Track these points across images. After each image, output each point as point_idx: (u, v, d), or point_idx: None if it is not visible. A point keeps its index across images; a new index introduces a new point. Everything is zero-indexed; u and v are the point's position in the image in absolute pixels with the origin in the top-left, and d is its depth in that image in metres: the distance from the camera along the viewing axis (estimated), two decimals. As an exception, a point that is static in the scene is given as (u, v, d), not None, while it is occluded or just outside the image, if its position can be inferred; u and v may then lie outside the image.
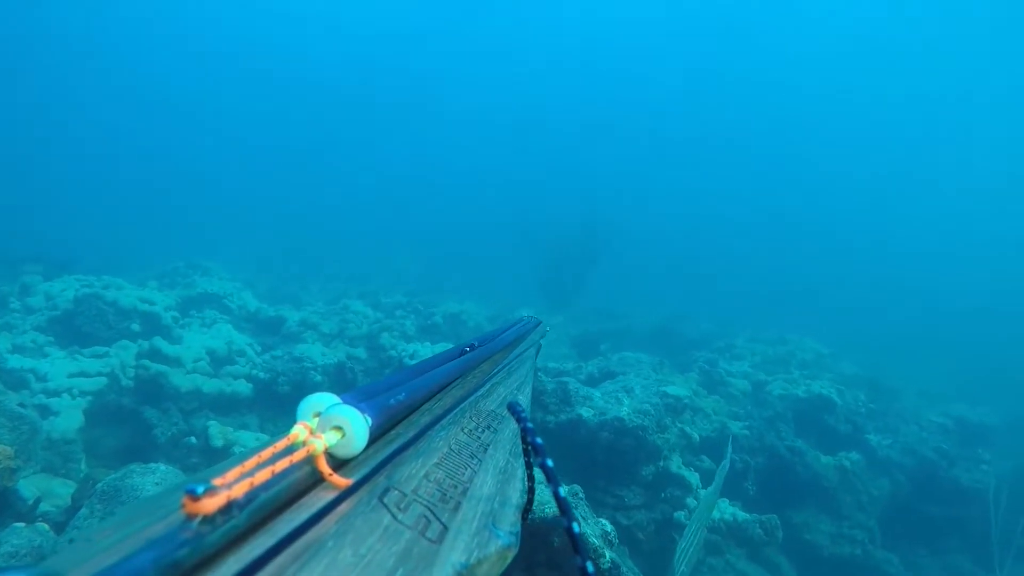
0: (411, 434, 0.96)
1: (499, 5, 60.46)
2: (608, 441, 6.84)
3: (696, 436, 7.72)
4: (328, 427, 0.75)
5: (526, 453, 1.02)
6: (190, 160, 53.56)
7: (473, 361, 1.53)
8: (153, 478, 4.15)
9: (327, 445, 0.72)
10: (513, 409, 0.94)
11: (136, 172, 46.87)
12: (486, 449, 1.04)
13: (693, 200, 56.91)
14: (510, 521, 0.80)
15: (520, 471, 1.00)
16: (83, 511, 4.10)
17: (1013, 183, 56.35)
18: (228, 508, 0.53)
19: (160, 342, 7.98)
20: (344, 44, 63.79)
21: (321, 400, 0.79)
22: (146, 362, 7.48)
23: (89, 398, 6.97)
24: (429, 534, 0.68)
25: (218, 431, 6.60)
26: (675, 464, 7.05)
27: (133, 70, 57.08)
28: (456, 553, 0.66)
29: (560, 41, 62.58)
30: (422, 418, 1.07)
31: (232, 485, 0.55)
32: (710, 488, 6.37)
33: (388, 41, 63.69)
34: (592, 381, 9.28)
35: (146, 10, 55.28)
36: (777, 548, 7.27)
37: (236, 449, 6.51)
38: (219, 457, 6.47)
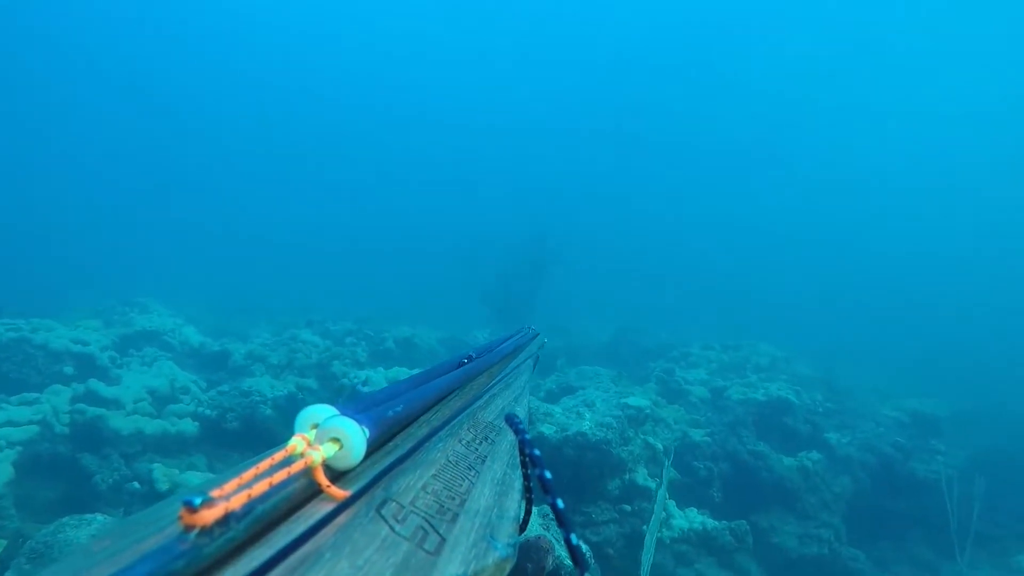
0: (409, 446, 0.97)
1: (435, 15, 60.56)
2: (572, 457, 6.73)
3: (659, 446, 7.64)
4: (326, 439, 0.76)
5: (524, 465, 1.01)
6: (118, 193, 51.93)
7: (470, 373, 1.55)
8: (88, 530, 3.85)
9: (325, 457, 0.73)
10: (511, 421, 0.97)
11: (58, 207, 45.00)
12: (484, 461, 1.04)
13: (641, 210, 57.75)
14: (508, 533, 0.78)
15: (518, 483, 0.99)
16: (9, 574, 3.79)
17: (952, 187, 58.70)
18: (225, 520, 0.53)
19: (96, 384, 7.59)
20: (281, 69, 62.97)
21: (319, 412, 0.80)
22: (82, 406, 7.09)
23: (19, 448, 6.51)
24: (427, 546, 0.68)
25: (163, 474, 6.25)
26: (641, 476, 6.95)
27: (57, 92, 54.86)
28: (453, 565, 0.65)
29: (508, 51, 63.00)
30: (420, 430, 1.08)
31: (230, 497, 0.55)
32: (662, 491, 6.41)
33: (336, 63, 63.25)
34: (551, 397, 9.18)
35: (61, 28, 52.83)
36: (747, 554, 7.22)
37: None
38: (165, 501, 6.14)
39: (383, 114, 65.45)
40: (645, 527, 6.49)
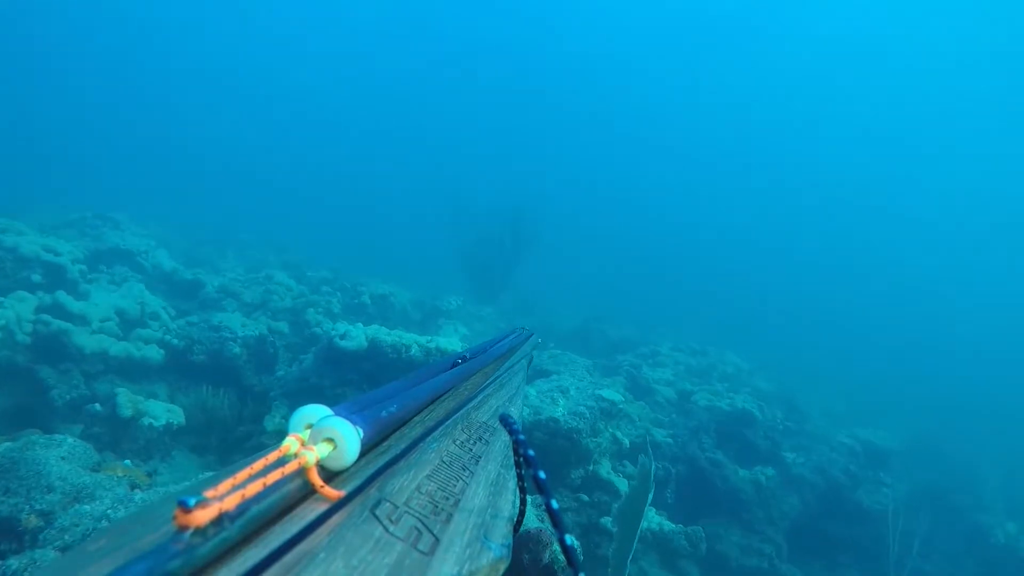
0: (403, 446, 0.97)
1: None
2: (541, 442, 6.73)
3: (627, 442, 7.69)
4: (320, 439, 0.75)
5: (518, 465, 1.02)
6: (95, 102, 50.37)
7: (465, 373, 1.55)
8: (58, 451, 3.70)
9: (319, 457, 0.73)
10: (505, 421, 0.97)
11: (32, 111, 43.47)
12: (478, 461, 1.05)
13: (621, 203, 57.92)
14: (502, 533, 0.79)
15: (512, 483, 1.00)
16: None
17: (924, 213, 59.89)
18: (220, 520, 0.53)
19: (64, 297, 7.32)
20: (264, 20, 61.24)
21: (313, 412, 0.79)
22: (47, 317, 6.83)
23: (-25, 351, 6.31)
24: (421, 546, 0.68)
25: (127, 400, 6.07)
26: (604, 469, 6.98)
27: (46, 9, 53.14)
28: (448, 565, 0.66)
29: (503, 27, 62.14)
30: (414, 430, 1.08)
31: (224, 497, 0.55)
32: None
33: (316, 15, 61.73)
34: (525, 378, 9.15)
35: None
36: (691, 559, 7.33)
37: (145, 421, 6.03)
38: (126, 428, 5.99)
39: (381, 70, 64.22)
40: (602, 519, 6.54)
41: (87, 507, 2.75)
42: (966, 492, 11.71)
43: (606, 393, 7.89)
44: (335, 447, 0.75)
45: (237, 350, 7.88)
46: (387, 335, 6.90)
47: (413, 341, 6.90)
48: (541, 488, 0.73)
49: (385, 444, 0.96)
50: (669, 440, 8.97)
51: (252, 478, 0.61)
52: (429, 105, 63.72)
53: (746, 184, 65.07)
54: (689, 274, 42.24)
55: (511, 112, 63.41)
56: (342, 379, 6.72)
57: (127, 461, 5.53)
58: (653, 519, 7.03)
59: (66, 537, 2.54)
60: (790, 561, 8.45)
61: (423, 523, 0.74)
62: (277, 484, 0.64)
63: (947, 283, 51.19)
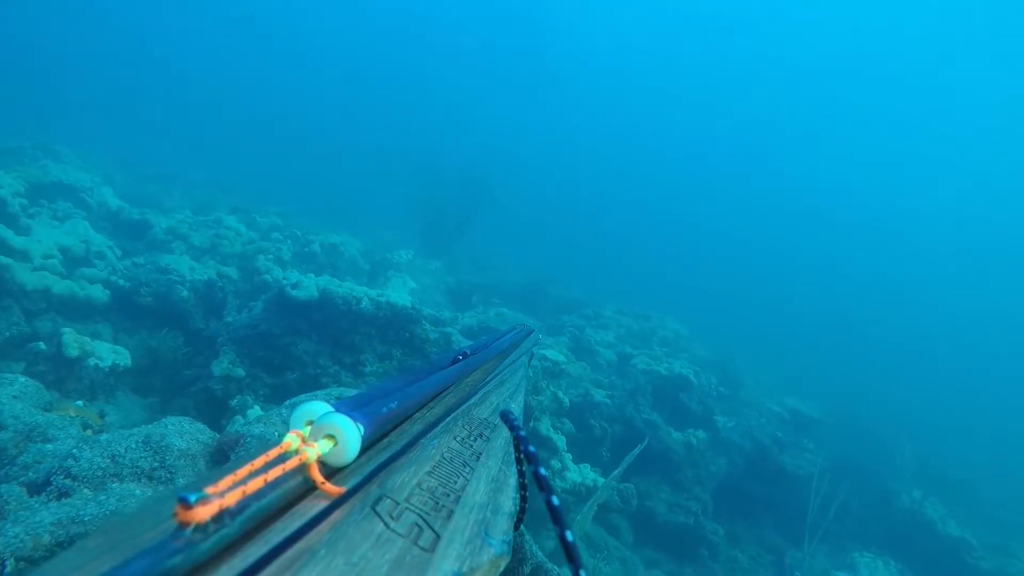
0: (404, 442, 0.97)
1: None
2: (485, 397, 6.91)
3: (567, 401, 7.95)
4: (320, 435, 0.75)
5: (519, 461, 1.03)
6: (35, 24, 47.54)
7: (465, 369, 1.53)
8: (10, 390, 3.72)
9: (320, 454, 0.73)
10: (506, 417, 0.98)
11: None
12: (479, 457, 1.04)
13: (578, 169, 57.94)
14: (503, 530, 0.80)
15: (512, 479, 1.00)
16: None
17: (872, 191, 61.47)
18: (220, 516, 0.53)
19: (5, 231, 7.15)
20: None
21: (314, 408, 0.79)
22: (-14, 251, 6.70)
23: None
24: (422, 542, 0.68)
25: (74, 340, 6.03)
26: (544, 426, 7.24)
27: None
28: (448, 562, 0.66)
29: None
30: (414, 426, 1.07)
31: (225, 493, 0.55)
32: (616, 472, 6.69)
33: None
34: (471, 334, 9.31)
35: None
36: (621, 513, 7.70)
37: (91, 361, 6.01)
38: (71, 368, 5.96)
39: (355, 14, 62.09)
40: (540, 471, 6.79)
41: (49, 447, 2.81)
42: (881, 461, 12.45)
43: (549, 353, 8.13)
44: (336, 443, 0.76)
45: (185, 294, 7.82)
46: (338, 287, 6.96)
47: (364, 294, 6.97)
48: (542, 485, 0.74)
49: (386, 440, 0.97)
50: (607, 401, 9.28)
51: (253, 474, 0.62)
52: (402, 57, 62.21)
53: (698, 155, 65.63)
54: (638, 241, 42.75)
55: (481, 74, 62.46)
56: (292, 328, 6.77)
57: (79, 402, 5.54)
58: (588, 475, 7.33)
59: (30, 474, 2.60)
60: (714, 519, 8.92)
61: (424, 519, 0.74)
62: (278, 480, 0.65)
63: (886, 268, 52.71)
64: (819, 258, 51.97)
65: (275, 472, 0.64)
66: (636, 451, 7.23)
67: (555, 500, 0.71)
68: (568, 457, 7.36)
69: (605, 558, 6.80)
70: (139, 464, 2.58)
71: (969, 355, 33.69)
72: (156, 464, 2.61)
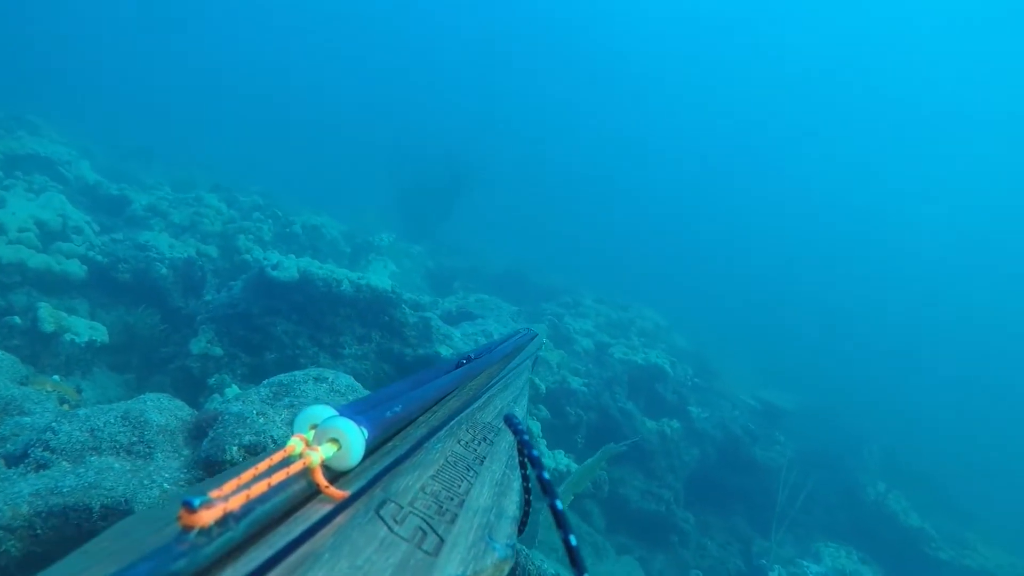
0: (407, 446, 0.97)
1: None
2: (462, 382, 6.97)
3: (543, 387, 8.03)
4: (324, 439, 0.76)
5: (522, 465, 1.03)
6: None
7: (469, 373, 1.54)
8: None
9: (324, 458, 0.73)
10: (509, 421, 0.95)
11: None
12: (482, 461, 1.05)
13: (561, 158, 57.84)
14: (506, 533, 0.80)
15: (516, 483, 1.01)
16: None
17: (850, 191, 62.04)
18: (225, 520, 0.54)
19: (-22, 203, 7.09)
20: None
21: (318, 413, 0.80)
22: (-39, 221, 6.63)
23: None
24: (425, 546, 0.68)
25: (50, 314, 5.98)
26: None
27: None
28: (452, 565, 0.66)
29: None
30: (418, 430, 1.08)
31: (229, 497, 0.55)
32: (590, 460, 6.78)
33: None
34: (450, 319, 9.36)
35: None
36: (594, 499, 7.81)
37: (67, 336, 5.98)
38: (47, 343, 5.93)
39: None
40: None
41: (27, 419, 2.82)
42: (849, 454, 12.69)
43: (528, 340, 8.18)
44: (340, 448, 0.76)
45: (164, 271, 7.76)
46: (319, 268, 6.96)
47: (344, 276, 6.98)
48: (545, 489, 0.73)
49: (390, 444, 0.97)
50: (584, 388, 9.36)
51: (257, 478, 0.62)
52: (387, 40, 61.53)
53: (681, 147, 65.84)
54: (619, 231, 42.87)
55: (467, 59, 62.01)
56: (271, 308, 6.77)
57: (55, 376, 5.51)
58: (561, 460, 7.42)
59: (8, 446, 2.62)
60: (686, 507, 9.06)
61: (428, 523, 0.75)
62: (282, 484, 0.65)
63: (863, 266, 53.22)
64: (798, 253, 52.39)
65: (279, 476, 0.65)
66: (621, 448, 7.32)
67: (559, 504, 0.70)
68: (543, 443, 7.44)
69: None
70: (118, 438, 2.61)
71: (937, 353, 34.28)
72: (135, 439, 2.64)
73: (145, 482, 2.44)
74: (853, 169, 63.66)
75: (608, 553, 7.43)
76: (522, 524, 0.93)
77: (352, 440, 0.76)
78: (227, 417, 2.78)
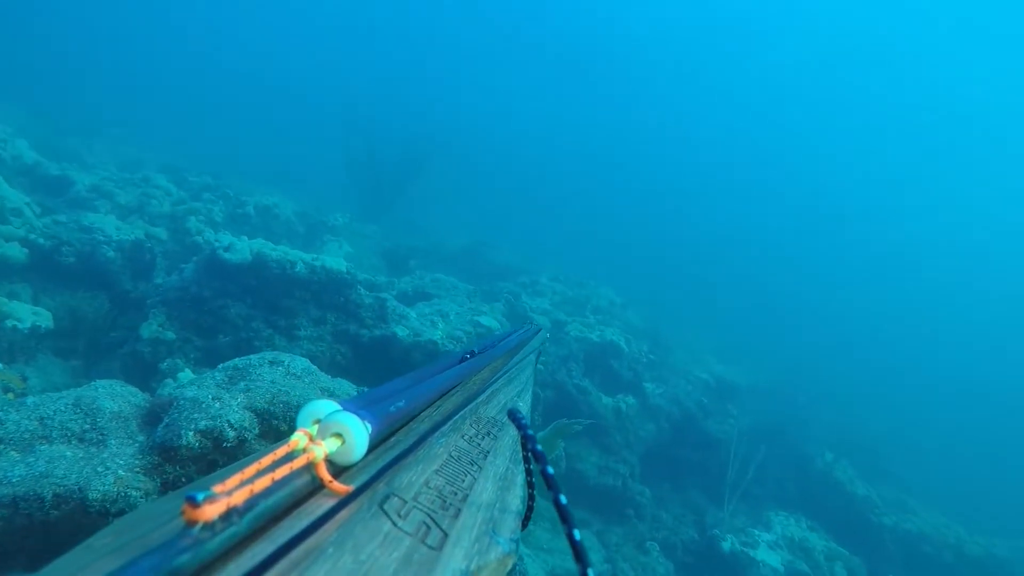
0: (411, 441, 0.97)
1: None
2: (419, 362, 6.98)
3: (500, 366, 8.04)
4: (328, 434, 0.76)
5: (526, 460, 1.04)
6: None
7: (473, 368, 1.54)
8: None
9: (327, 452, 0.73)
10: (513, 416, 0.94)
11: None
12: (486, 456, 1.05)
13: (512, 133, 57.62)
14: (510, 528, 0.81)
15: (520, 478, 1.01)
16: None
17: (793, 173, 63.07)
18: (228, 515, 0.54)
19: (-92, 185, 6.79)
20: None
21: (321, 407, 0.79)
22: None
23: None
24: (429, 541, 0.69)
25: (-10, 300, 5.82)
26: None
27: None
28: (456, 560, 0.67)
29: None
30: (422, 425, 1.08)
31: (232, 492, 0.55)
32: (541, 434, 6.86)
33: None
34: (406, 299, 9.33)
35: None
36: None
37: (9, 323, 5.81)
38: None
39: None
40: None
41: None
42: (799, 427, 13.07)
43: (484, 320, 8.22)
44: (343, 442, 0.76)
45: (111, 254, 7.56)
46: (272, 250, 6.86)
47: (299, 258, 6.90)
48: (550, 483, 0.72)
49: (393, 439, 0.97)
50: (540, 367, 9.43)
51: (260, 473, 0.62)
52: (340, 17, 60.17)
53: (635, 125, 66.09)
54: (574, 209, 42.98)
55: (421, 35, 61.08)
56: (224, 291, 6.66)
57: (0, 364, 5.36)
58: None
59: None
60: (642, 481, 9.23)
61: (431, 518, 0.75)
62: (285, 479, 0.65)
63: (816, 247, 54.23)
64: (751, 232, 53.17)
65: (282, 471, 0.65)
66: (575, 426, 7.40)
67: (563, 499, 0.70)
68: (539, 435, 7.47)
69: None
70: (69, 426, 2.56)
71: (884, 331, 35.51)
72: (87, 426, 2.60)
73: (99, 469, 2.41)
74: (807, 146, 64.62)
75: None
76: (526, 519, 0.94)
77: (356, 435, 0.77)
78: (182, 402, 2.76)
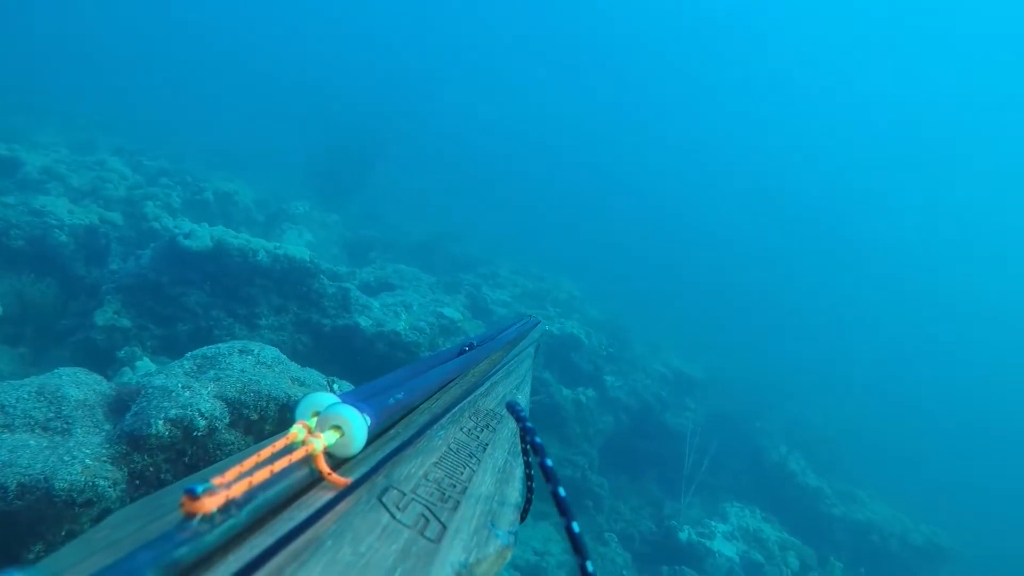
0: (410, 433, 0.98)
1: None
2: (382, 352, 6.95)
3: (463, 358, 8.04)
4: (327, 426, 0.76)
5: (525, 453, 1.03)
6: None
7: (472, 360, 1.54)
8: None
9: (326, 444, 0.74)
10: (512, 408, 0.94)
11: None
12: (485, 448, 1.05)
13: (473, 124, 57.34)
14: (509, 521, 0.81)
15: (519, 471, 1.02)
16: None
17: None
18: (227, 507, 0.54)
19: None
20: None
21: (320, 399, 0.80)
22: None
23: None
24: (428, 533, 0.69)
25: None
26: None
27: None
28: (455, 552, 0.67)
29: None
30: (421, 417, 1.09)
31: (231, 484, 0.56)
32: None
33: None
34: (369, 290, 9.25)
35: None
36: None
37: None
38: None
39: None
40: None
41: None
42: (754, 420, 13.34)
43: (447, 311, 8.21)
44: (342, 434, 0.76)
45: (64, 239, 7.34)
46: (234, 238, 6.74)
47: (261, 246, 6.79)
48: (548, 476, 0.72)
49: (392, 432, 0.98)
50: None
51: (259, 465, 0.62)
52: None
53: (596, 118, 66.29)
54: (536, 202, 42.94)
55: (386, 23, 60.28)
56: (183, 278, 6.52)
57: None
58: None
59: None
60: (600, 472, 9.33)
61: (430, 510, 0.75)
62: (284, 471, 0.65)
63: (774, 241, 54.96)
64: (712, 227, 53.67)
65: (281, 463, 0.65)
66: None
67: (562, 491, 0.70)
68: None
69: None
70: (32, 414, 2.50)
71: (835, 326, 36.44)
72: (51, 414, 2.53)
73: (65, 458, 2.35)
74: (764, 138, 65.39)
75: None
76: (524, 511, 0.93)
77: (355, 427, 0.77)
78: (151, 391, 2.71)
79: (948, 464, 20.95)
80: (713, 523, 9.37)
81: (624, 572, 7.92)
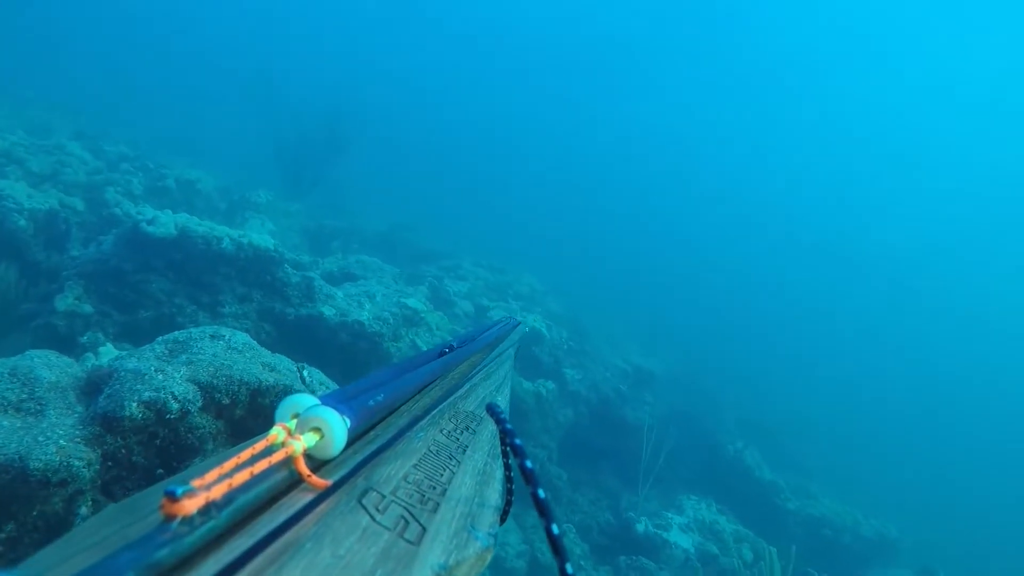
0: (390, 435, 1.00)
1: None
2: (345, 342, 7.00)
3: (423, 349, 8.12)
4: (307, 428, 0.78)
5: (505, 455, 1.04)
6: None
7: (452, 362, 1.56)
8: None
9: (306, 447, 0.75)
10: (492, 410, 0.96)
11: None
12: (465, 450, 1.06)
13: (437, 116, 57.06)
14: (489, 523, 0.81)
15: (499, 472, 1.02)
16: None
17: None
18: (207, 509, 0.55)
19: None
20: None
21: (300, 401, 0.82)
22: None
23: None
24: (408, 535, 0.70)
25: None
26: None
27: None
28: (435, 554, 0.67)
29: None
30: (401, 419, 1.11)
31: (211, 486, 0.57)
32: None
33: None
34: (332, 280, 9.27)
35: None
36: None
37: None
38: None
39: None
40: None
41: None
42: (711, 415, 13.65)
43: (411, 302, 8.28)
44: (322, 436, 0.77)
45: (23, 223, 7.23)
46: (199, 225, 6.72)
47: (225, 234, 6.78)
48: (528, 478, 0.73)
49: (372, 433, 0.98)
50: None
51: (239, 467, 0.63)
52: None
53: (561, 114, 66.41)
54: (500, 195, 42.98)
55: (349, 13, 59.56)
56: (146, 265, 6.48)
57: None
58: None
59: None
60: (559, 465, 9.48)
61: (410, 512, 0.75)
62: (264, 473, 0.66)
63: (732, 240, 55.58)
64: (671, 224, 54.10)
65: (261, 465, 0.66)
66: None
67: (541, 493, 0.70)
68: None
69: None
70: (5, 395, 2.54)
71: (795, 325, 37.18)
72: (24, 395, 2.58)
73: (40, 439, 2.40)
74: (722, 137, 66.03)
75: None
76: (504, 513, 0.94)
77: (335, 429, 0.79)
78: (123, 373, 2.76)
79: (902, 459, 21.62)
80: (670, 515, 9.59)
81: (582, 563, 8.08)
